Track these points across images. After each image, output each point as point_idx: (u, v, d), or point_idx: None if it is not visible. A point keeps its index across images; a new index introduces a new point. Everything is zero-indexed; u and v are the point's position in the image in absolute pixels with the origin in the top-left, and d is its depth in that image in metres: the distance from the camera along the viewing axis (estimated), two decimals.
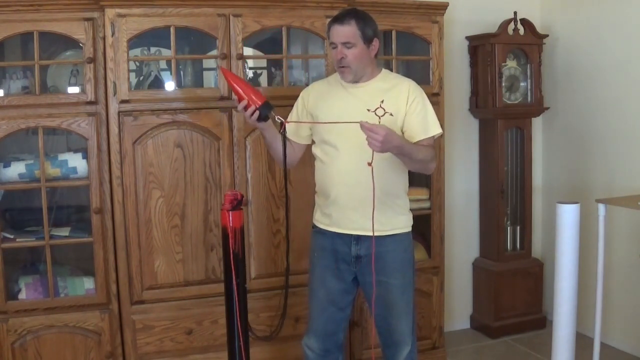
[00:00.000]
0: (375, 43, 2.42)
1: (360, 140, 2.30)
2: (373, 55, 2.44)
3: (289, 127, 2.49)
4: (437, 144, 3.36)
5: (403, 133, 2.42)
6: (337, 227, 2.49)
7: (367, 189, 2.32)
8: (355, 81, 2.44)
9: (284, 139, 2.41)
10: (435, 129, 2.45)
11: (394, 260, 2.46)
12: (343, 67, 2.40)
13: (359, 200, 2.41)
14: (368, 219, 2.37)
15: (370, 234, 2.40)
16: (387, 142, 2.17)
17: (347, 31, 2.36)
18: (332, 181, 2.46)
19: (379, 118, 2.37)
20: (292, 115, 2.57)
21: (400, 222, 2.49)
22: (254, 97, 2.31)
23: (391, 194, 2.43)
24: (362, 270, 2.50)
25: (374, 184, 2.25)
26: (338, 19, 2.39)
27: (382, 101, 2.39)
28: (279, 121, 2.36)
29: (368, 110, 2.38)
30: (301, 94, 2.60)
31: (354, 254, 2.48)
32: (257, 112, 2.32)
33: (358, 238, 2.46)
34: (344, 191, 2.43)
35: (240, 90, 2.33)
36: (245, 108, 2.33)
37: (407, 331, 2.53)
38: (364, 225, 2.42)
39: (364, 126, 2.15)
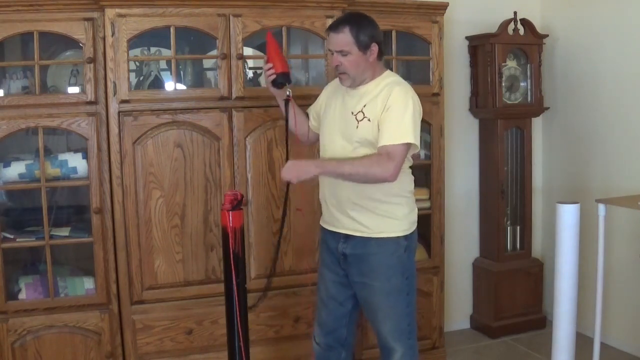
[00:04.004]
0: (374, 48, 2.39)
1: (340, 143, 2.42)
2: (372, 60, 2.41)
3: (312, 109, 2.72)
4: (436, 144, 3.38)
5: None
6: (328, 224, 2.57)
7: (343, 191, 2.45)
8: (357, 84, 2.45)
9: (286, 107, 2.59)
10: (400, 138, 2.31)
11: (377, 264, 2.45)
12: (340, 73, 2.43)
13: (337, 201, 2.49)
14: (349, 218, 2.47)
15: (355, 233, 2.47)
16: (299, 173, 2.33)
17: (340, 39, 2.36)
18: (322, 181, 2.56)
19: (358, 122, 2.40)
20: (312, 107, 2.71)
21: (388, 227, 2.45)
22: (278, 64, 2.52)
23: (369, 197, 2.42)
24: (348, 269, 2.53)
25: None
26: (333, 27, 2.40)
27: (365, 105, 2.41)
28: (287, 95, 2.58)
29: (352, 113, 2.43)
30: (323, 89, 2.71)
31: (340, 251, 2.51)
32: (274, 77, 2.53)
33: (346, 236, 2.49)
34: (327, 191, 2.52)
35: (272, 54, 2.55)
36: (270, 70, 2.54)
37: (393, 336, 2.50)
38: (347, 225, 2.48)
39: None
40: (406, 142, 2.32)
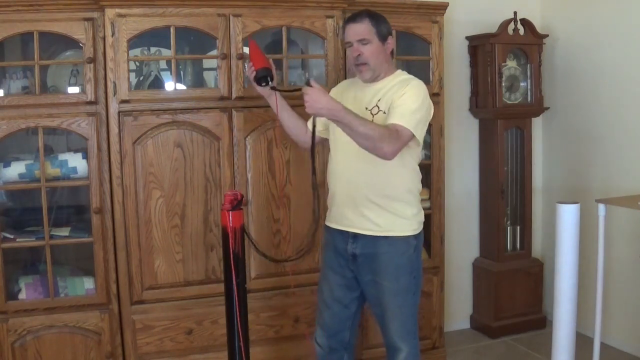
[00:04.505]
0: (390, 41, 2.46)
1: (349, 139, 2.35)
2: (389, 53, 2.47)
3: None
4: (436, 144, 3.38)
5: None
6: (336, 223, 2.54)
7: (358, 187, 2.43)
8: (374, 79, 2.46)
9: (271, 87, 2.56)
10: (407, 122, 2.31)
11: (387, 263, 2.46)
12: (361, 64, 2.43)
13: (350, 197, 2.46)
14: (360, 216, 2.45)
15: (364, 232, 2.46)
16: (313, 102, 2.22)
17: (361, 28, 2.40)
18: (332, 177, 2.54)
19: (373, 116, 2.41)
20: None
21: (397, 226, 2.46)
22: (256, 62, 2.53)
23: (385, 195, 2.43)
24: (358, 269, 2.52)
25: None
26: (352, 18, 2.45)
27: (379, 100, 2.42)
28: (271, 85, 2.56)
29: (366, 108, 2.43)
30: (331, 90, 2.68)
31: (350, 252, 2.50)
32: (254, 73, 2.53)
33: (355, 236, 2.48)
34: (339, 188, 2.49)
35: (252, 55, 2.57)
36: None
37: (400, 336, 2.51)
38: (356, 223, 2.46)
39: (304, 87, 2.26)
40: (406, 125, 2.32)
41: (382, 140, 2.26)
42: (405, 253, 2.48)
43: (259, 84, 2.55)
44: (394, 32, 3.18)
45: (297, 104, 2.58)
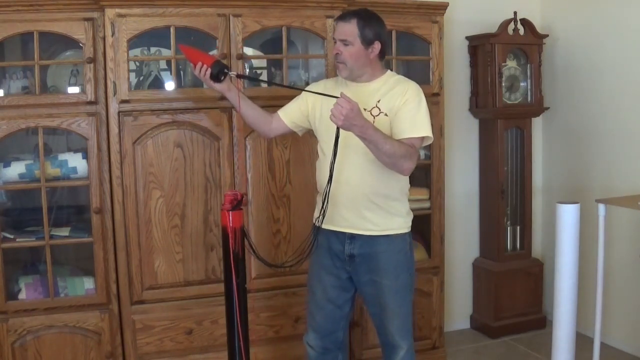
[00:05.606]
0: (376, 45, 2.42)
1: (349, 140, 2.33)
2: (372, 57, 2.44)
3: (292, 107, 2.62)
4: (436, 144, 3.37)
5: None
6: (331, 224, 2.50)
7: (357, 188, 2.42)
8: (352, 79, 2.46)
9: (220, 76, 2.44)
10: (422, 131, 2.38)
11: (386, 261, 2.46)
12: (339, 62, 2.44)
13: (348, 198, 2.44)
14: (359, 217, 2.44)
15: (363, 232, 2.45)
16: (349, 118, 2.16)
17: (345, 29, 2.40)
18: (325, 178, 2.46)
19: (374, 117, 2.39)
20: (293, 100, 2.63)
21: (394, 224, 2.47)
22: (205, 60, 2.42)
23: (384, 195, 2.44)
24: (355, 269, 2.51)
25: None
26: (342, 16, 2.45)
27: (379, 101, 2.42)
28: (233, 74, 2.46)
29: (364, 109, 2.40)
30: (309, 86, 2.64)
31: (347, 253, 2.49)
32: (209, 70, 2.41)
33: (352, 237, 2.48)
34: (335, 188, 2.43)
35: (195, 57, 2.44)
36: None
37: (400, 334, 2.52)
38: (355, 224, 2.46)
39: (339, 97, 2.18)
40: (423, 135, 2.38)
41: (404, 157, 2.30)
42: (402, 251, 2.49)
43: (218, 79, 2.43)
44: (393, 32, 3.22)
45: (260, 95, 2.58)
